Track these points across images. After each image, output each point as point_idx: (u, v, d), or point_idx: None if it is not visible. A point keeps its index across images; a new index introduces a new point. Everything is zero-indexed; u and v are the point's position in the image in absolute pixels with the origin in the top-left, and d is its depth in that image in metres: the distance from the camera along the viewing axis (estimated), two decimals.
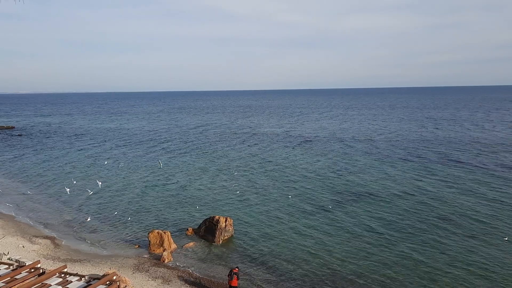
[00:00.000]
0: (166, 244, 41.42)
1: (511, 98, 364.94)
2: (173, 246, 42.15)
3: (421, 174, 70.36)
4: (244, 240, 43.79)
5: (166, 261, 38.98)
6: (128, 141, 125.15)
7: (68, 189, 60.33)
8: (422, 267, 36.03)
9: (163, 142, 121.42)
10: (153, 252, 41.18)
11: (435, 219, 48.04)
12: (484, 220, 46.96)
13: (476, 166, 75.34)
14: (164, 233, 42.11)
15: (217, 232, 43.72)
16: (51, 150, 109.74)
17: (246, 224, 48.56)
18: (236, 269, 34.44)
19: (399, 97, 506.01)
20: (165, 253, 39.80)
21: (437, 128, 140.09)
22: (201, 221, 47.10)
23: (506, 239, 41.18)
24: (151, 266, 37.89)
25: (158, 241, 41.65)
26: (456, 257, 37.72)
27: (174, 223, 49.79)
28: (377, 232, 44.61)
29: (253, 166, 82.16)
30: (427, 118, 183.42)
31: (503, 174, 68.06)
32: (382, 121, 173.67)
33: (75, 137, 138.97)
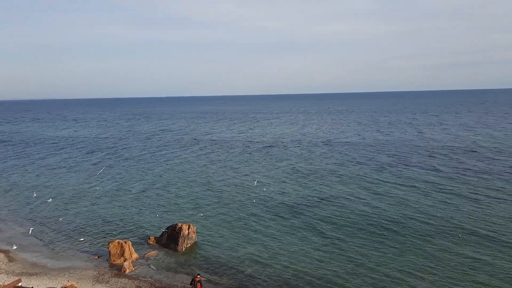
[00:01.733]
0: (127, 254, 40.59)
1: (465, 102, 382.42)
2: (135, 255, 41.36)
3: (374, 177, 72.30)
4: (207, 247, 43.60)
5: (127, 271, 38.20)
6: (83, 149, 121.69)
7: (24, 200, 58.02)
8: (381, 268, 37.17)
9: (119, 149, 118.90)
10: (113, 262, 40.24)
11: (387, 221, 49.55)
12: (437, 219, 48.94)
13: (428, 168, 78.38)
14: (125, 242, 41.26)
15: (180, 240, 43.30)
16: (1, 161, 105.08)
17: (210, 231, 48.35)
18: (198, 276, 34.27)
19: (364, 101, 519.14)
20: (126, 263, 39.00)
21: (391, 132, 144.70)
22: (163, 229, 46.50)
23: (460, 236, 43.26)
24: (111, 277, 37.02)
25: (118, 251, 40.75)
26: (414, 255, 39.11)
27: (135, 232, 48.86)
28: (335, 236, 45.48)
29: (213, 173, 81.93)
30: (383, 122, 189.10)
31: (451, 175, 71.17)
32: (340, 126, 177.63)
33: (26, 146, 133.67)
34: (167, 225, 47.53)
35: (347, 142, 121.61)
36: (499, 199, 56.17)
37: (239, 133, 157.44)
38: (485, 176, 69.44)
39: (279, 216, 52.64)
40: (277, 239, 44.97)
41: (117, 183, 74.69)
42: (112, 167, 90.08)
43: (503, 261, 37.24)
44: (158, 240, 45.56)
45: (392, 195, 60.55)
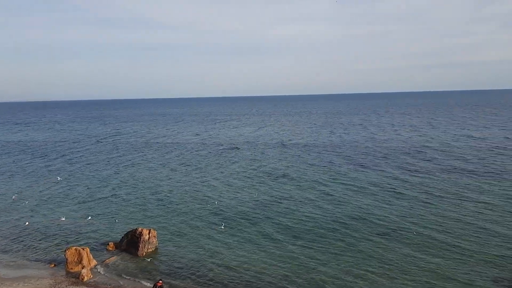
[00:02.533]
0: (85, 261, 39.60)
1: (417, 104, 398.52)
2: (93, 262, 40.42)
3: (326, 179, 74.02)
4: (168, 251, 43.30)
5: (85, 279, 37.29)
6: (34, 153, 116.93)
7: None
8: (333, 270, 38.43)
9: (71, 153, 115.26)
10: (71, 270, 39.14)
11: (337, 223, 51.12)
12: (392, 218, 51.09)
13: (377, 169, 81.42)
14: (83, 249, 40.25)
15: (140, 245, 42.75)
16: None
17: (171, 235, 48.02)
18: (160, 282, 34.08)
19: (321, 103, 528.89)
20: (84, 270, 38.06)
21: (344, 133, 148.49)
22: (122, 235, 45.70)
23: (415, 233, 45.54)
24: (68, 285, 36.05)
25: (76, 258, 39.68)
26: (363, 255, 40.67)
27: (93, 238, 47.69)
28: (288, 238, 46.46)
29: (170, 176, 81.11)
30: (338, 123, 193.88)
31: (403, 176, 74.38)
32: (296, 127, 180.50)
33: None
34: (127, 230, 46.77)
35: (301, 144, 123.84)
36: (444, 198, 59.23)
37: (195, 135, 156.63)
38: (431, 176, 72.93)
39: (234, 220, 52.72)
40: (235, 242, 45.25)
41: (72, 188, 72.42)
42: (68, 172, 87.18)
43: (448, 261, 39.47)
44: (117, 245, 44.73)
45: (343, 196, 62.22)
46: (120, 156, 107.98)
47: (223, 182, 74.49)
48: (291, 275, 36.99)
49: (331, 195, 62.94)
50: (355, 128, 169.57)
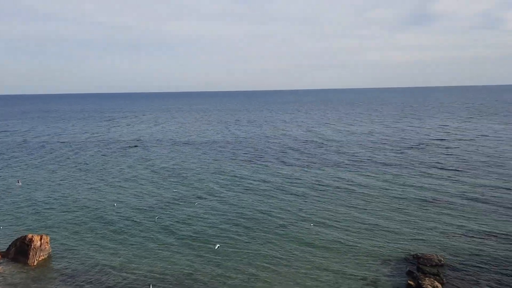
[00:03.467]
0: None
1: (315, 101, 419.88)
2: None
3: (232, 175, 75.91)
4: (63, 258, 40.97)
5: None
6: None
7: None
8: (248, 259, 39.85)
9: None
10: None
11: (243, 218, 52.98)
12: (291, 211, 53.98)
13: (270, 164, 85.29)
14: None
15: (31, 253, 39.94)
16: None
17: (65, 240, 45.42)
18: None
19: (222, 100, 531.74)
20: None
21: (249, 129, 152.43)
22: (10, 242, 42.26)
23: (312, 225, 48.64)
24: None
25: None
26: (266, 248, 42.74)
27: None
28: (191, 235, 47.08)
29: (65, 178, 76.43)
30: (233, 120, 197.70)
31: (293, 172, 78.81)
32: (201, 124, 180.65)
33: None
34: (16, 237, 43.33)
35: (207, 140, 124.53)
36: (342, 189, 64.10)
37: (93, 134, 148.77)
38: (330, 168, 78.27)
39: (135, 221, 51.62)
40: (135, 244, 44.39)
41: None
42: None
43: (346, 245, 43.10)
44: (4, 254, 41.28)
45: (248, 191, 64.34)
46: (8, 158, 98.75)
47: (119, 183, 71.87)
48: (192, 273, 37.43)
49: (221, 193, 63.69)
50: (261, 123, 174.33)
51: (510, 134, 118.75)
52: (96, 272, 38.01)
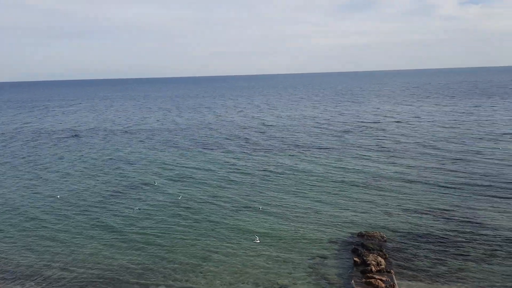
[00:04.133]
0: None
1: (256, 86, 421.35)
2: None
3: (174, 163, 74.29)
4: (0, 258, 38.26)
5: None
6: None
7: None
8: (198, 244, 39.26)
9: None
10: None
11: (184, 208, 52.45)
12: (236, 199, 53.87)
13: (224, 149, 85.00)
14: None
15: None
16: None
17: (1, 239, 42.43)
18: None
19: (166, 86, 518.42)
20: None
21: (191, 116, 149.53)
22: None
23: (260, 208, 48.96)
24: None
25: None
26: (222, 226, 42.48)
27: None
28: (127, 229, 45.78)
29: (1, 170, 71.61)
30: (185, 106, 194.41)
31: (245, 155, 78.97)
32: (142, 112, 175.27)
33: None
34: None
35: (148, 128, 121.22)
36: (286, 175, 64.86)
37: (25, 124, 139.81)
38: (273, 154, 78.97)
39: (70, 217, 48.83)
40: (71, 242, 42.06)
41: None
42: None
43: (292, 227, 43.72)
44: None
45: (190, 180, 62.97)
46: None
47: (53, 177, 67.72)
48: (133, 267, 36.37)
49: (163, 183, 61.91)
50: (192, 112, 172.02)
51: (441, 116, 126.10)
52: (38, 269, 35.83)
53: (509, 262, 34.71)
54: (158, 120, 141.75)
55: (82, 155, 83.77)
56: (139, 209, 42.55)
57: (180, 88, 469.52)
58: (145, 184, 61.51)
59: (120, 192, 57.75)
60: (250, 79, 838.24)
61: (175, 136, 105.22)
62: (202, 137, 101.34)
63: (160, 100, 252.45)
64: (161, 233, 43.12)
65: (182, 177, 64.80)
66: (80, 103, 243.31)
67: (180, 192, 56.74)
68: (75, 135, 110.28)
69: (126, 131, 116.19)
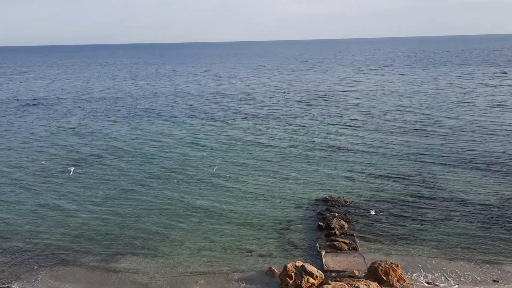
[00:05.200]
0: None
1: (216, 53, 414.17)
2: None
3: (121, 133, 72.87)
4: None
5: None
6: None
7: None
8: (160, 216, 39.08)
9: None
10: None
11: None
12: (201, 167, 53.61)
13: (189, 119, 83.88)
14: None
15: None
16: None
17: None
18: None
19: (125, 54, 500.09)
20: None
21: (148, 84, 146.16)
22: None
23: (228, 176, 49.06)
24: None
25: None
26: (190, 197, 42.39)
27: None
28: (103, 197, 45.09)
29: None
30: (143, 74, 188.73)
31: (214, 124, 78.38)
32: (96, 80, 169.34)
33: None
34: None
35: (110, 96, 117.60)
36: (252, 142, 64.95)
37: None
38: (240, 122, 78.71)
39: (30, 187, 47.65)
40: (27, 211, 41.34)
41: None
42: None
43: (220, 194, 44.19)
44: None
45: (155, 148, 62.38)
46: None
47: (15, 146, 65.56)
48: (103, 236, 36.01)
49: (127, 152, 61.03)
50: (158, 78, 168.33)
51: (403, 84, 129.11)
52: None
53: (463, 223, 36.74)
54: (121, 88, 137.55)
55: (46, 124, 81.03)
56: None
57: (140, 55, 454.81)
58: (109, 153, 60.17)
59: (84, 161, 56.49)
60: (209, 47, 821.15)
61: (138, 103, 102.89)
62: (167, 105, 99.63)
63: (116, 68, 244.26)
64: (127, 203, 42.57)
65: (146, 145, 63.81)
66: (32, 71, 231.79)
67: (145, 161, 55.98)
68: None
69: (89, 100, 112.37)
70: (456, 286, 27.68)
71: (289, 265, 28.13)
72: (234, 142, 65.39)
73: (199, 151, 60.62)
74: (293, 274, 27.49)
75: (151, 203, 42.39)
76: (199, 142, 65.58)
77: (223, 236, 35.42)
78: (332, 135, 67.98)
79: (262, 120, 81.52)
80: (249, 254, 32.46)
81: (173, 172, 51.72)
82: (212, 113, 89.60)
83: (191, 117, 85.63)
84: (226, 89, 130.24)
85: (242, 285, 28.46)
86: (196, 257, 32.11)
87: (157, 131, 73.83)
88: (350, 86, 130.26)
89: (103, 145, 64.53)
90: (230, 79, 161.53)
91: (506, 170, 48.98)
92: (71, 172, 49.29)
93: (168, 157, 57.93)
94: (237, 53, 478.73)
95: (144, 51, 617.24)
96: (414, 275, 29.10)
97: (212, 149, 61.33)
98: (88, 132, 73.57)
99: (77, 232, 36.65)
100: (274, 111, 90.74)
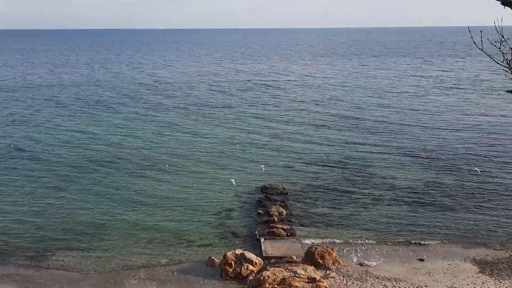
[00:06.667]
0: None
1: (155, 42, 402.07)
2: None
3: (66, 124, 69.77)
4: None
5: None
6: None
7: None
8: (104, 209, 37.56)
9: None
10: None
11: (93, 164, 49.91)
12: (147, 155, 52.30)
13: (115, 112, 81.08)
14: None
15: None
16: None
17: None
18: None
19: (51, 40, 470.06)
20: None
21: (86, 72, 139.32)
22: None
23: (167, 166, 48.31)
24: None
25: None
26: (128, 190, 41.11)
27: None
28: (42, 191, 42.73)
29: None
30: (68, 61, 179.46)
31: (142, 117, 76.42)
32: (15, 64, 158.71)
33: None
34: None
35: (29, 85, 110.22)
36: (186, 133, 64.25)
37: None
38: (166, 114, 77.39)
39: None
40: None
41: None
42: None
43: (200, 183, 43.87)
44: None
45: (76, 142, 59.21)
46: None
47: None
48: (33, 233, 34.11)
49: (44, 147, 56.86)
50: (91, 66, 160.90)
51: (334, 74, 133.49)
52: None
53: (393, 206, 39.05)
54: (42, 76, 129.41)
55: None
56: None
57: (74, 41, 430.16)
58: (27, 145, 56.61)
59: (21, 149, 52.68)
60: (148, 33, 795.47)
61: (61, 94, 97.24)
62: (92, 96, 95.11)
63: (46, 54, 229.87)
64: (58, 197, 40.51)
65: (71, 140, 60.24)
66: None
67: (76, 154, 53.43)
68: None
69: (4, 89, 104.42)
70: (385, 265, 29.45)
71: (229, 253, 28.36)
72: (169, 132, 64.24)
73: (132, 142, 58.79)
74: (232, 262, 27.76)
75: (84, 197, 40.65)
76: (131, 134, 63.33)
77: (162, 228, 34.85)
78: (267, 125, 68.89)
79: (195, 109, 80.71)
80: (189, 245, 32.25)
81: (107, 164, 49.83)
82: (138, 105, 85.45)
83: (113, 110, 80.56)
84: (156, 78, 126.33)
85: (181, 276, 28.27)
86: (134, 251, 31.36)
87: (87, 122, 70.54)
88: (283, 75, 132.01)
89: (28, 137, 60.59)
90: (161, 68, 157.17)
91: (430, 156, 52.56)
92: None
93: (101, 149, 55.64)
94: (176, 41, 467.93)
95: (78, 37, 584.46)
96: (348, 257, 30.53)
97: (146, 140, 59.72)
98: (11, 122, 68.70)
99: (2, 229, 34.31)
100: (208, 100, 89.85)
